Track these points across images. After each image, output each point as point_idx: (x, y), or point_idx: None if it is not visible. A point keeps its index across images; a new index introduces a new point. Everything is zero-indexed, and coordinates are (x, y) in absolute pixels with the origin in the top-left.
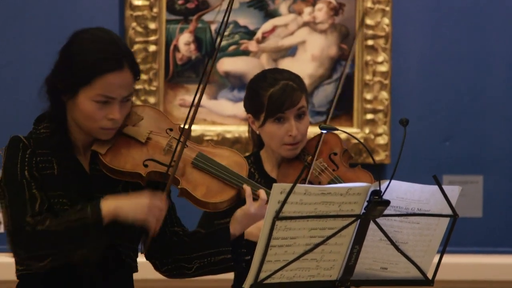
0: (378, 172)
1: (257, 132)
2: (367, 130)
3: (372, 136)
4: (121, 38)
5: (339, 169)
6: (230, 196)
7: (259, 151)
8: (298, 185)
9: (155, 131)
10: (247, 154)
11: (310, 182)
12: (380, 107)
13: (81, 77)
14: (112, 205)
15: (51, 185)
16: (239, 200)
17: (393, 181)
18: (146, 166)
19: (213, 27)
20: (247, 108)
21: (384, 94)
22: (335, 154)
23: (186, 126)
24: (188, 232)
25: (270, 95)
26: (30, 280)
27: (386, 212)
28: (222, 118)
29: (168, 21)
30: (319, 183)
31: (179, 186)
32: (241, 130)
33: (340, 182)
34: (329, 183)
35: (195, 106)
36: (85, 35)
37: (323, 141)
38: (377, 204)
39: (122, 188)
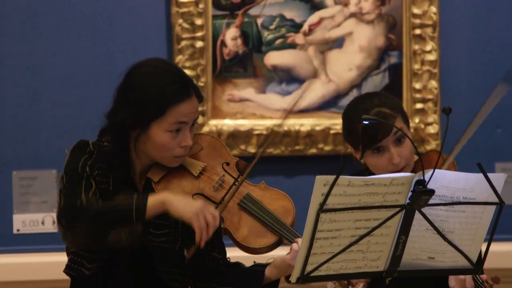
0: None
1: (362, 161)
2: (417, 120)
3: (422, 126)
4: (176, 64)
5: None
6: (270, 242)
7: None
8: (341, 176)
9: (210, 165)
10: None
11: None
12: (430, 96)
13: (153, 112)
14: (161, 197)
15: (104, 199)
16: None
17: (437, 170)
18: (195, 200)
19: (259, 21)
20: (345, 139)
21: (433, 83)
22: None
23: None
24: (228, 262)
25: (363, 128)
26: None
27: (431, 201)
28: (271, 112)
29: (214, 17)
30: None
31: (222, 226)
32: (290, 123)
33: None
34: None
35: (255, 160)
36: (144, 69)
37: (427, 161)
38: (421, 193)
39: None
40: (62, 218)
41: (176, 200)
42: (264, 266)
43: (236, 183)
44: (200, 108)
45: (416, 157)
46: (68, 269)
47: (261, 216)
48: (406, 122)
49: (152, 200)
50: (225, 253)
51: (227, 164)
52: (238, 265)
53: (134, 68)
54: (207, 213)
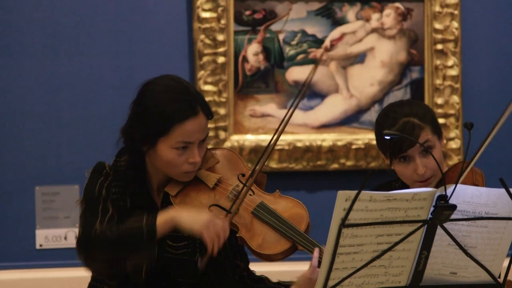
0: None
1: (392, 167)
2: None
3: (444, 141)
4: (189, 82)
5: None
6: (284, 248)
7: None
8: (363, 192)
9: (225, 176)
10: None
11: None
12: (452, 111)
13: (158, 128)
14: (169, 215)
15: (121, 217)
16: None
17: (459, 185)
18: (211, 211)
19: (281, 36)
20: (377, 144)
21: (455, 98)
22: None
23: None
24: (253, 275)
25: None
26: None
27: (453, 216)
28: (293, 127)
29: (236, 32)
30: None
31: (237, 234)
32: (311, 138)
33: None
34: None
35: (261, 163)
36: (155, 87)
37: (455, 170)
38: (443, 208)
39: None
40: (81, 250)
41: (185, 216)
42: (288, 286)
43: (244, 189)
44: (222, 123)
45: (446, 168)
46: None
47: (275, 224)
48: (437, 132)
49: (161, 219)
50: (247, 263)
51: (243, 175)
52: (262, 280)
53: (146, 85)
54: (216, 224)
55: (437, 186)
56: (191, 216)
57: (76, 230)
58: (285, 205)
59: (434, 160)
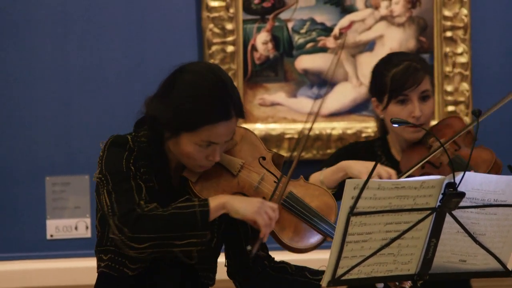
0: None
1: (381, 116)
2: None
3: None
4: (229, 77)
5: (461, 149)
6: (316, 242)
7: (386, 135)
8: (371, 180)
9: (248, 162)
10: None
11: (431, 163)
12: (461, 99)
13: (186, 124)
14: (221, 199)
15: (151, 198)
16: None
17: (467, 173)
18: None
19: (290, 25)
20: (371, 91)
21: (465, 86)
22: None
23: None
24: (274, 263)
25: (393, 75)
26: (109, 279)
27: (462, 204)
28: (303, 116)
29: (245, 21)
30: (440, 164)
31: None
32: (321, 127)
33: (460, 161)
34: (449, 162)
35: (295, 159)
36: (189, 76)
37: (447, 124)
38: (452, 196)
39: None
40: (128, 227)
41: (237, 202)
42: (316, 278)
43: (281, 183)
44: None
45: (432, 123)
46: (107, 269)
47: (306, 216)
48: (433, 86)
49: (214, 204)
50: (267, 251)
51: (263, 158)
52: (285, 269)
53: (181, 71)
54: (268, 208)
55: (425, 138)
56: (243, 202)
57: (87, 220)
58: (312, 194)
59: (429, 108)
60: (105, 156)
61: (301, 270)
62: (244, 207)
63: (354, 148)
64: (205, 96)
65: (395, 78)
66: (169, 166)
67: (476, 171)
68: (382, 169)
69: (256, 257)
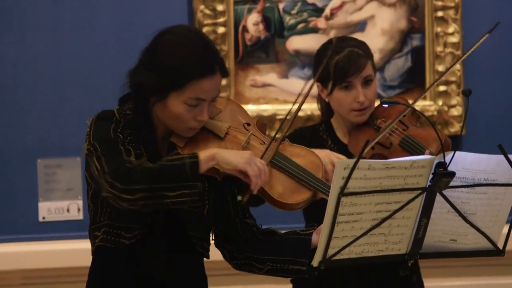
0: (453, 143)
1: (326, 100)
2: (440, 102)
3: (445, 108)
4: (209, 37)
5: (409, 129)
6: (305, 197)
7: (330, 119)
8: (361, 160)
9: (234, 125)
10: (315, 122)
11: (381, 144)
12: (453, 79)
13: (173, 82)
14: (211, 151)
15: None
16: (314, 201)
17: (457, 152)
18: None
19: (281, 5)
20: (316, 76)
21: (456, 65)
22: (404, 115)
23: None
24: (262, 230)
25: (336, 62)
26: (105, 253)
27: (452, 183)
28: (294, 97)
29: (236, 2)
30: (391, 144)
31: None
32: (313, 108)
33: (411, 140)
34: (400, 142)
35: (292, 116)
36: (172, 36)
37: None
38: (442, 176)
39: None
40: (118, 180)
41: (226, 153)
42: (306, 233)
43: (275, 140)
44: (223, 94)
45: (377, 103)
46: (104, 242)
47: (295, 172)
48: (374, 70)
49: (203, 155)
50: (255, 220)
51: (248, 124)
52: (273, 233)
53: (162, 33)
54: (257, 160)
55: (371, 119)
56: (232, 153)
57: (79, 202)
58: (298, 154)
59: (372, 92)
60: (93, 129)
61: (291, 232)
62: (233, 157)
63: (300, 133)
64: (188, 53)
65: (338, 66)
66: (156, 134)
67: (429, 150)
68: (334, 155)
69: (244, 224)
